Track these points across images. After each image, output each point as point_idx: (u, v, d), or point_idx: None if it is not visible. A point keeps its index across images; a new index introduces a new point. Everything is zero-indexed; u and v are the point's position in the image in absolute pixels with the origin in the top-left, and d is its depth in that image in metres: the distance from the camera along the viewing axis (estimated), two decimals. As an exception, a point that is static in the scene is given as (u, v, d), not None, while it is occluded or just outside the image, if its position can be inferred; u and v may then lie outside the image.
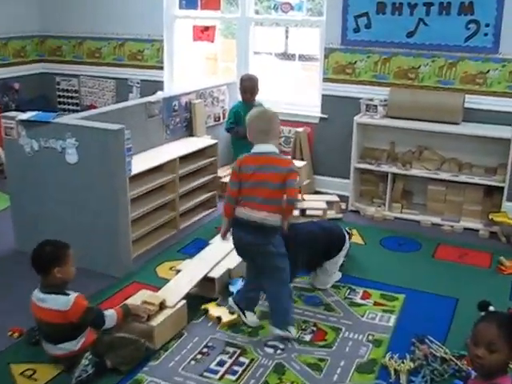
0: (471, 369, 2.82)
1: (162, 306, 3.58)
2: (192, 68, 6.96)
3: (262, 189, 3.43)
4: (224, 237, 3.68)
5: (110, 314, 3.31)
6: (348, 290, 4.19)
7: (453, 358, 3.37)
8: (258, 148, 3.56)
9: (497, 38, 5.42)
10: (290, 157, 5.77)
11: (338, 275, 4.30)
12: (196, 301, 3.89)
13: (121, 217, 4.29)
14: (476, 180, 5.48)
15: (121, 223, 4.30)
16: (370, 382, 3.20)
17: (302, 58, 6.64)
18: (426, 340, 3.54)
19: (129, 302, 3.57)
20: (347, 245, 4.29)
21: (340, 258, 4.25)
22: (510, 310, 3.71)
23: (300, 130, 6.20)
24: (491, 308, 2.50)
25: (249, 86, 5.29)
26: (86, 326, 3.26)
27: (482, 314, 2.46)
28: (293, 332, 3.56)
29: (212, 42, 6.51)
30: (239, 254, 3.71)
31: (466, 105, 5.58)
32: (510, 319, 2.37)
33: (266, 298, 3.76)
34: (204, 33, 6.50)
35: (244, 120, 5.20)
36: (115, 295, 4.04)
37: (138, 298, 3.60)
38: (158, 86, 6.74)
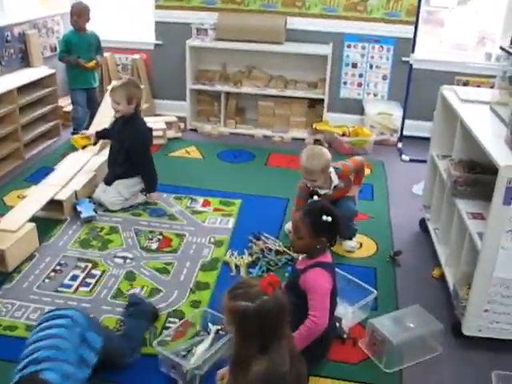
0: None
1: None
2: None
3: None
4: None
5: None
6: (189, 200, 4.26)
7: (286, 250, 3.58)
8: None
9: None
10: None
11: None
12: (46, 224, 3.79)
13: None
14: (300, 94, 5.72)
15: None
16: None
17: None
18: (262, 236, 3.71)
19: None
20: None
21: (134, 181, 4.20)
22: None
23: (136, 56, 6.05)
24: (315, 197, 2.66)
25: (77, 10, 5.01)
26: None
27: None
28: None
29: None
30: None
31: (288, 26, 5.70)
32: (319, 209, 2.55)
33: None
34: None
35: (76, 48, 5.01)
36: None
37: None
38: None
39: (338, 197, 3.66)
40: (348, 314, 2.90)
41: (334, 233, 2.59)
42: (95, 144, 4.38)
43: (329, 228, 2.54)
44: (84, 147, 4.34)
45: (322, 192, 3.57)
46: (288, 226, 3.81)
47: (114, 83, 4.29)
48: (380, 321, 2.78)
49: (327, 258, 2.62)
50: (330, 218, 2.52)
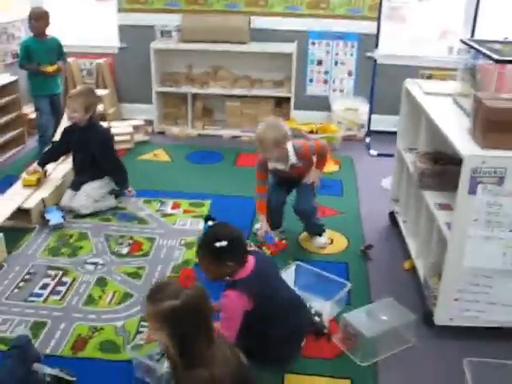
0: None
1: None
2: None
3: None
4: None
5: None
6: (159, 203, 4.24)
7: (256, 249, 3.54)
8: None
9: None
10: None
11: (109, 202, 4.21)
12: (14, 233, 3.73)
13: None
14: (267, 93, 5.73)
15: None
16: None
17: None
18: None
19: None
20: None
21: (102, 183, 4.20)
22: None
23: (100, 61, 6.00)
24: (210, 222, 2.64)
25: (35, 14, 4.91)
26: None
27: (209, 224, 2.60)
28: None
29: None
30: None
31: (252, 25, 5.70)
32: (211, 237, 2.44)
33: None
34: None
35: (36, 54, 4.92)
36: None
37: None
38: None
39: (298, 174, 3.61)
40: (326, 309, 2.91)
41: (237, 253, 2.47)
42: (45, 173, 4.32)
43: (229, 251, 2.41)
44: (38, 181, 4.19)
45: (278, 167, 3.54)
46: (257, 226, 3.82)
47: (72, 91, 4.28)
48: (353, 315, 2.79)
49: (247, 269, 2.51)
50: (224, 243, 2.38)
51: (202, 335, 1.96)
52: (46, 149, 4.48)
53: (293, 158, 3.50)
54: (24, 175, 4.25)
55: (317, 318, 2.84)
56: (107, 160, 4.15)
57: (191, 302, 1.93)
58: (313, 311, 2.88)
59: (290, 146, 3.47)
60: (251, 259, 2.55)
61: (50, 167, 4.40)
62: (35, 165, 4.28)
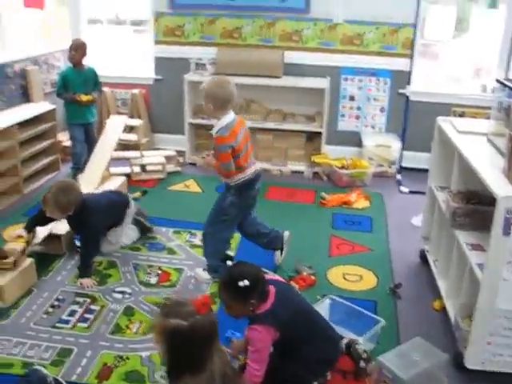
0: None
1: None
2: (26, 36, 6.51)
3: (250, 145, 3.56)
4: None
5: None
6: (188, 235, 4.25)
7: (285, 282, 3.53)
8: (231, 114, 3.42)
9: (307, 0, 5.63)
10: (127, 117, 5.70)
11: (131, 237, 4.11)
12: (44, 258, 3.78)
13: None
14: (298, 127, 5.75)
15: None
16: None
17: (134, 22, 6.49)
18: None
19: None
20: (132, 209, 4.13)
21: (123, 228, 4.04)
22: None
23: (136, 91, 6.10)
24: (229, 262, 2.64)
25: (74, 45, 5.03)
26: None
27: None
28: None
29: (41, 8, 6.12)
30: (250, 206, 3.73)
31: (286, 60, 5.76)
32: (234, 277, 2.46)
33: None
34: (34, -1, 6.09)
35: (72, 84, 5.03)
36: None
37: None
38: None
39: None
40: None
41: (260, 289, 2.50)
42: (33, 238, 3.78)
43: (252, 289, 2.45)
44: (14, 264, 3.43)
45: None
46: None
47: (44, 196, 3.68)
48: (387, 357, 2.71)
49: (269, 302, 2.53)
50: (247, 282, 2.41)
51: (194, 362, 2.00)
52: (35, 213, 3.86)
53: (216, 128, 3.40)
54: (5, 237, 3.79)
55: (362, 364, 2.76)
56: (88, 245, 3.74)
57: (197, 329, 1.98)
58: (364, 355, 2.78)
59: (226, 117, 3.39)
60: (272, 290, 2.56)
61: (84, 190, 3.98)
62: (21, 231, 3.72)
